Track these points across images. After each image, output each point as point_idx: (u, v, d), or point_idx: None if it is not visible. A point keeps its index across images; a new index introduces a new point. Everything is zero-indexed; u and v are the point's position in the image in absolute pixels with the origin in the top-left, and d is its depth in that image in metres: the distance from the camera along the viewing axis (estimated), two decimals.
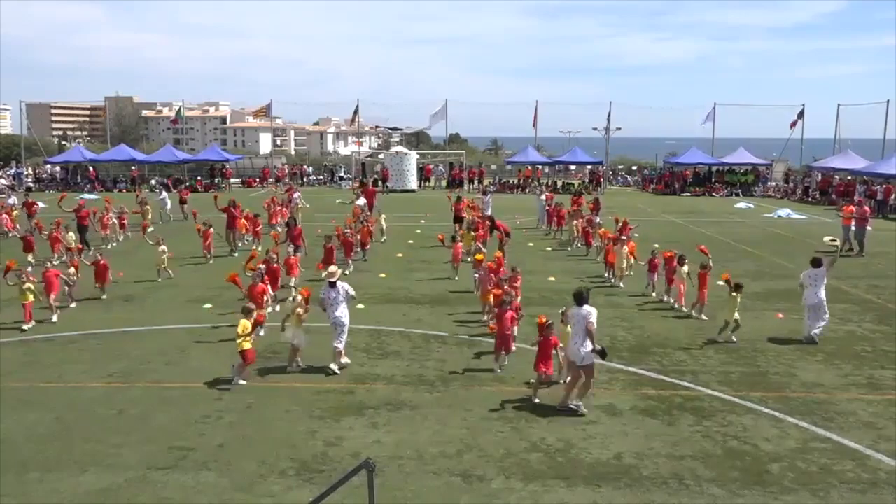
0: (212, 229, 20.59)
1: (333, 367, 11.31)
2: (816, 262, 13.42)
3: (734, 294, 12.83)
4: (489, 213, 24.91)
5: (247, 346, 10.77)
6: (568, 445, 8.87)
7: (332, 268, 12.19)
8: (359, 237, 20.66)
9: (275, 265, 15.02)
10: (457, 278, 17.73)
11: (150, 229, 22.99)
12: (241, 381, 10.81)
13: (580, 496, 7.70)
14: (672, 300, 15.83)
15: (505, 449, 8.76)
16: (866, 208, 24.11)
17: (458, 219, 23.60)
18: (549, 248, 23.41)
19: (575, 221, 23.72)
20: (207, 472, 8.12)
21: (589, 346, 9.60)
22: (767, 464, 8.45)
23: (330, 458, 8.47)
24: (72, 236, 20.97)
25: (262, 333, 12.46)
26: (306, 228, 21.79)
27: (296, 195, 29.73)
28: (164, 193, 30.29)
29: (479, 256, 15.79)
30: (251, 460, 8.40)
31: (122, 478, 7.98)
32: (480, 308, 14.60)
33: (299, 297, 11.62)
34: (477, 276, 15.72)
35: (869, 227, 23.91)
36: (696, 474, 8.19)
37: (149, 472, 8.12)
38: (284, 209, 27.32)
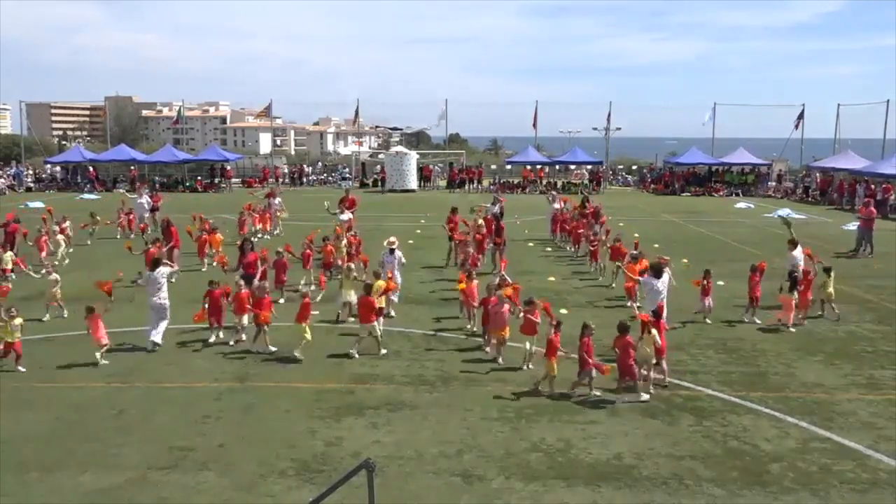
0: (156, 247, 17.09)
1: (392, 313, 14.24)
2: (795, 243, 15.92)
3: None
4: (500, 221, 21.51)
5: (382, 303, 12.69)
6: (568, 445, 8.87)
7: (392, 237, 15.77)
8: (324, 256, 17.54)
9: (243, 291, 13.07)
10: (469, 325, 13.67)
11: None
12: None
13: (580, 496, 7.71)
14: (754, 317, 14.49)
15: (505, 449, 8.76)
16: (872, 209, 24.07)
17: (452, 238, 20.00)
18: (550, 249, 23.38)
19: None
20: (207, 472, 8.12)
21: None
22: (767, 464, 8.45)
23: (330, 458, 8.48)
24: (9, 256, 17.71)
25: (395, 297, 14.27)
26: (290, 235, 20.12)
27: (276, 200, 26.61)
28: (145, 197, 27.12)
29: (507, 292, 12.28)
30: (251, 460, 8.41)
31: (122, 478, 7.98)
32: (486, 341, 12.52)
33: (353, 266, 14.54)
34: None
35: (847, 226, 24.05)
36: (696, 474, 8.19)
37: (149, 472, 8.13)
38: (258, 216, 24.82)
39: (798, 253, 15.72)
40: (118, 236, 24.47)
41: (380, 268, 14.89)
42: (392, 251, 15.39)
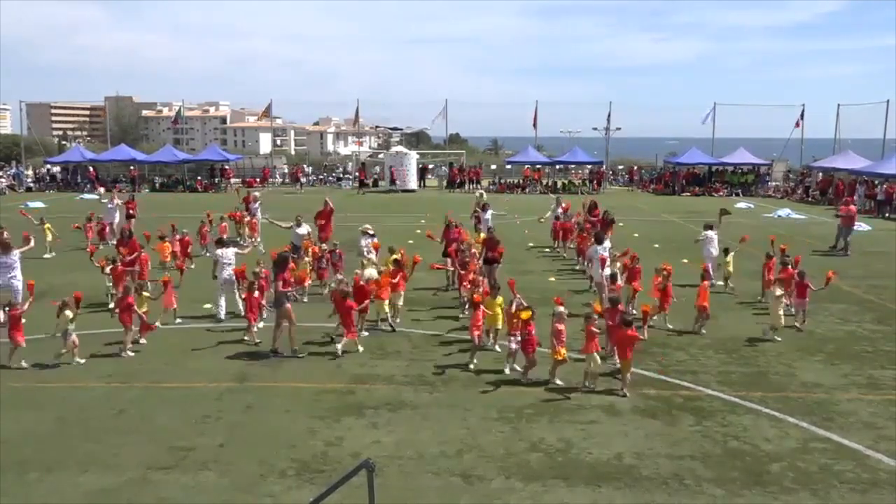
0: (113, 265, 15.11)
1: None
2: (710, 227, 17.83)
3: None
4: (490, 230, 19.09)
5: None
6: (568, 445, 8.87)
7: (367, 225, 17.77)
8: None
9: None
10: (474, 364, 11.72)
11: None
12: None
13: (580, 496, 7.71)
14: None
15: (505, 449, 8.76)
16: (852, 207, 24.11)
17: (448, 252, 17.36)
18: (549, 249, 23.33)
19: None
20: (207, 472, 8.13)
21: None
22: (767, 464, 8.46)
23: (330, 458, 8.48)
24: None
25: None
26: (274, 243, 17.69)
27: (255, 206, 23.59)
28: (115, 202, 24.29)
29: (524, 314, 11.14)
30: (251, 460, 8.41)
31: (122, 478, 7.98)
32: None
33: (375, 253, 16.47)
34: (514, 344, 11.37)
35: (856, 227, 24.08)
36: (696, 474, 8.19)
37: (149, 472, 8.13)
38: (225, 224, 22.14)
39: (711, 233, 17.66)
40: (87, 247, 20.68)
41: (358, 255, 16.85)
42: (371, 236, 17.24)
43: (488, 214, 20.80)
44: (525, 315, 11.15)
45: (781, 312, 13.41)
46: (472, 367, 11.65)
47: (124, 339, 12.21)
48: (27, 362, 11.51)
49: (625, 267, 15.21)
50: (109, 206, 24.11)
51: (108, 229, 22.95)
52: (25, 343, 11.56)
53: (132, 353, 12.15)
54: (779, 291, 13.51)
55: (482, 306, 11.91)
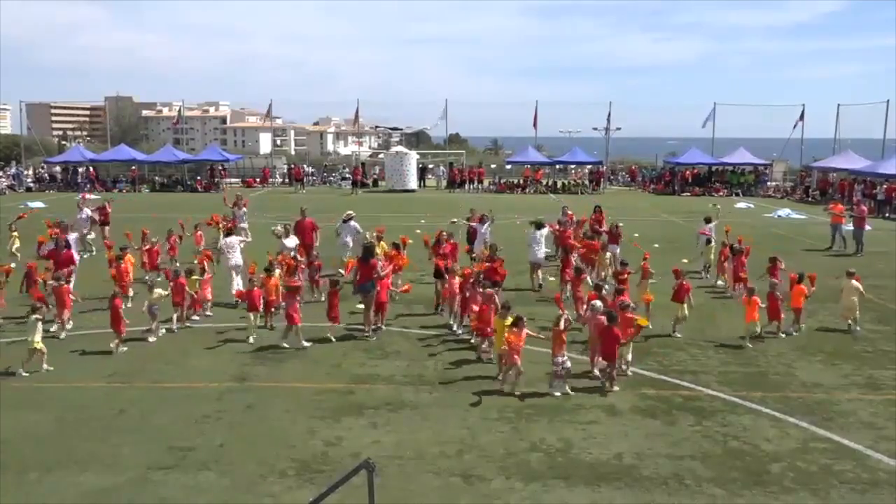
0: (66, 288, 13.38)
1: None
2: (709, 220, 19.29)
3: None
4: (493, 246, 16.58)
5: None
6: (568, 445, 8.87)
7: (350, 210, 18.72)
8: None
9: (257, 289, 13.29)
10: (504, 387, 10.69)
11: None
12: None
13: (580, 496, 7.71)
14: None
15: (505, 449, 8.77)
16: (864, 208, 24.16)
17: (439, 272, 14.93)
18: (548, 249, 23.25)
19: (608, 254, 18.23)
20: (207, 472, 8.13)
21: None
22: (767, 464, 8.46)
23: (330, 458, 8.48)
24: None
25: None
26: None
27: (242, 211, 22.10)
28: (87, 211, 21.90)
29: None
30: (251, 460, 8.41)
31: (122, 478, 7.99)
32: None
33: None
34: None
35: (868, 227, 24.03)
36: (696, 474, 8.19)
37: (149, 472, 8.13)
38: (200, 233, 20.32)
39: (707, 228, 18.91)
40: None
41: (336, 236, 18.18)
42: (347, 221, 18.00)
43: (485, 228, 19.07)
44: (510, 337, 10.43)
45: (856, 301, 13.99)
46: (516, 392, 10.51)
47: (179, 316, 13.60)
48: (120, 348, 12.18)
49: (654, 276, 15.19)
50: (80, 216, 21.74)
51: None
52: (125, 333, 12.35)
53: (177, 329, 13.41)
54: (855, 283, 14.01)
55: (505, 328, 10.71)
